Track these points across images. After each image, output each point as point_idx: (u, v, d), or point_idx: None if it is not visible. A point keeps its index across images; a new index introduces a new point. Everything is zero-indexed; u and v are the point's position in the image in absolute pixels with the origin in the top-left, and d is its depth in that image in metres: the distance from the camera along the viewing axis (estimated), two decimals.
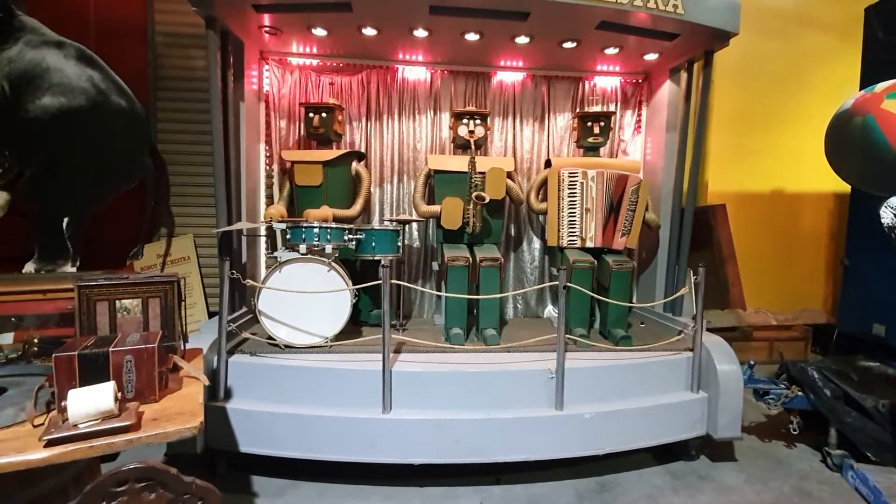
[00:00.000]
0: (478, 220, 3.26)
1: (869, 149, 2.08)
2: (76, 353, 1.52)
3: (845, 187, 4.03)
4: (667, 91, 3.64)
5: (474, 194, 3.20)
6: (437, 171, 3.42)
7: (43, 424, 1.39)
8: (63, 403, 1.38)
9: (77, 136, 2.98)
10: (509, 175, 3.41)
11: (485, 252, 3.12)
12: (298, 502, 2.46)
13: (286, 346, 2.74)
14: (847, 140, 2.21)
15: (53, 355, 1.50)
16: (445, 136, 3.82)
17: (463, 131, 3.40)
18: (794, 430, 2.96)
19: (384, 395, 2.51)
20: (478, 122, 3.40)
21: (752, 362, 2.98)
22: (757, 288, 4.70)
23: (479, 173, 3.29)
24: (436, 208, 3.30)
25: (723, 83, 4.61)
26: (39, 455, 1.28)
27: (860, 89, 2.57)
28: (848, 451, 2.81)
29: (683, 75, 3.48)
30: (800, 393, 2.94)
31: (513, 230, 3.98)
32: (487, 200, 3.18)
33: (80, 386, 1.48)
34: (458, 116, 3.44)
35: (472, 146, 3.34)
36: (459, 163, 3.38)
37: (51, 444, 1.30)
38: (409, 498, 2.51)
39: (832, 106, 2.63)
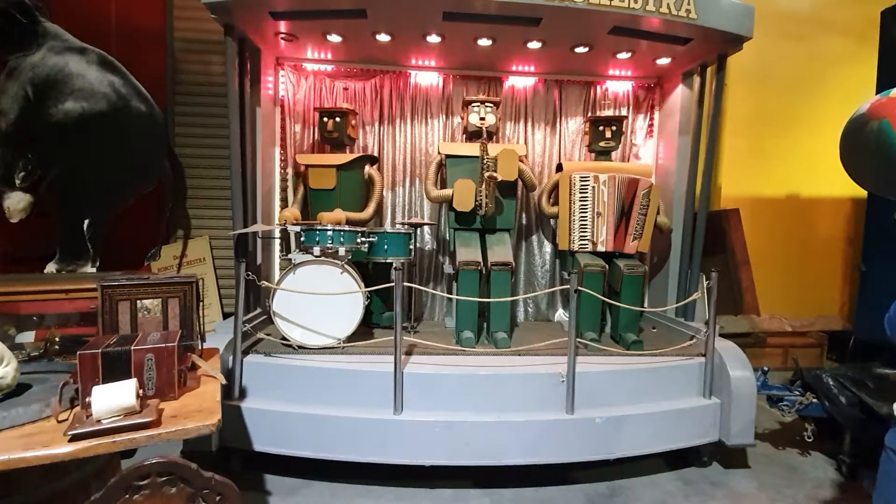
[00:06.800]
0: (490, 201, 3.21)
1: (885, 154, 2.06)
2: (100, 350, 1.56)
3: (862, 192, 3.98)
4: (679, 95, 3.63)
5: (486, 174, 3.15)
6: (449, 156, 3.41)
7: (67, 420, 1.43)
8: (87, 399, 1.42)
9: (98, 139, 3.06)
10: (521, 160, 3.38)
11: (497, 256, 3.13)
12: (311, 501, 2.49)
13: (300, 347, 2.77)
14: (862, 145, 2.19)
15: (78, 353, 1.55)
16: (458, 136, 3.84)
17: (474, 119, 3.37)
18: (809, 438, 2.93)
19: (395, 396, 2.53)
20: (489, 109, 3.38)
21: (765, 368, 2.95)
22: (771, 293, 4.65)
23: (492, 158, 3.25)
24: (447, 192, 3.29)
25: (737, 87, 4.58)
26: (64, 449, 1.31)
27: (876, 93, 2.55)
28: (863, 460, 2.77)
29: (696, 79, 3.47)
30: (814, 400, 2.90)
31: (524, 232, 3.98)
32: (499, 179, 3.13)
33: (103, 383, 1.52)
34: (468, 104, 3.44)
35: (484, 133, 3.31)
36: (471, 148, 3.36)
37: (75, 438, 1.34)
38: (419, 499, 2.52)
39: (848, 110, 2.60)
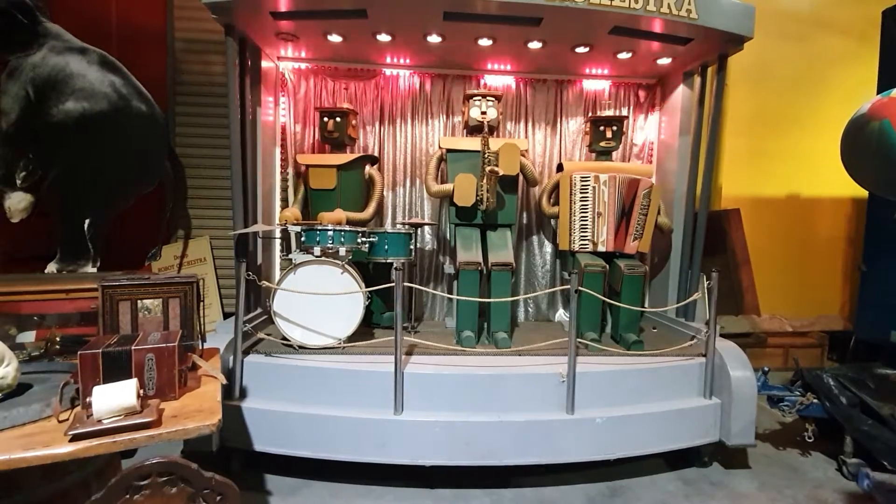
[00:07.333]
0: (492, 196, 3.18)
1: (885, 153, 2.07)
2: (100, 350, 1.56)
3: (863, 191, 3.98)
4: (680, 95, 3.63)
5: (487, 168, 3.11)
6: (449, 150, 3.38)
7: (68, 420, 1.44)
8: (88, 399, 1.43)
9: (99, 139, 3.07)
10: (523, 154, 3.35)
11: (497, 256, 3.13)
12: (311, 501, 2.49)
13: (300, 347, 2.77)
14: (863, 145, 2.20)
15: (79, 353, 1.55)
16: (458, 135, 3.83)
17: (475, 113, 3.34)
18: (809, 438, 2.93)
19: (396, 396, 2.53)
20: (490, 103, 3.35)
21: (766, 369, 2.95)
22: (772, 294, 4.65)
23: (493, 153, 3.23)
24: (448, 186, 3.26)
25: (738, 86, 4.58)
26: (65, 449, 1.31)
27: (877, 93, 2.55)
28: (864, 460, 2.76)
29: (697, 79, 3.47)
30: (815, 400, 2.91)
31: (525, 232, 3.98)
32: (501, 173, 3.09)
33: (104, 383, 1.52)
34: (469, 98, 3.41)
35: (486, 128, 3.28)
36: (472, 143, 3.34)
37: (76, 438, 1.34)
38: (419, 499, 2.52)
39: (849, 110, 2.61)
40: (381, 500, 2.50)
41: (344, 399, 2.58)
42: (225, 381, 1.91)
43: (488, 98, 3.36)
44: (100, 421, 1.39)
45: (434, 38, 3.19)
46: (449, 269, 3.37)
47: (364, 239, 3.01)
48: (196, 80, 4.08)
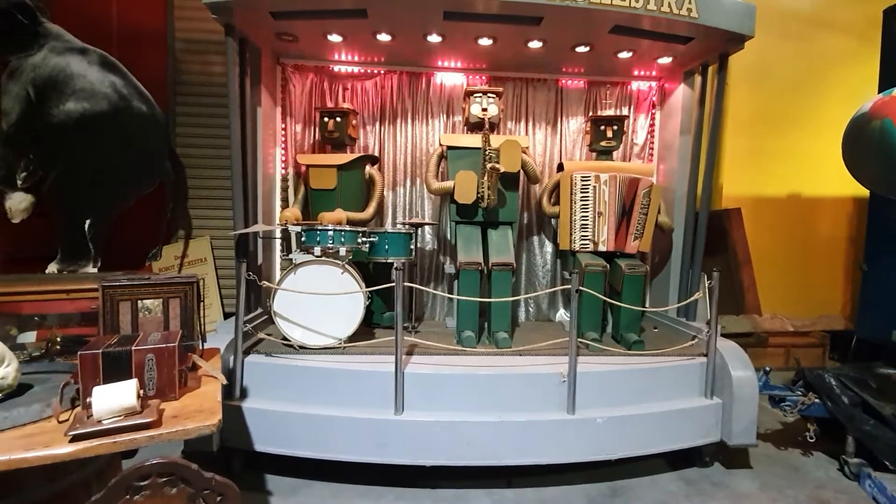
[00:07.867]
0: (493, 193, 3.16)
1: (886, 152, 2.06)
2: (101, 351, 1.56)
3: (864, 191, 3.98)
4: (681, 94, 3.63)
5: (489, 165, 3.10)
6: (450, 147, 3.36)
7: (68, 420, 1.43)
8: (88, 400, 1.42)
9: (99, 140, 3.06)
10: (524, 152, 3.34)
11: (498, 256, 3.13)
12: (311, 501, 2.49)
13: (301, 347, 2.77)
14: (864, 143, 2.20)
15: (79, 353, 1.54)
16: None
17: (476, 110, 3.31)
18: (811, 438, 2.92)
19: (396, 396, 2.53)
20: (491, 99, 3.32)
21: (767, 369, 2.95)
22: (773, 293, 4.65)
23: (494, 150, 3.21)
24: (448, 184, 3.25)
25: (738, 86, 4.58)
26: (65, 450, 1.31)
27: (878, 92, 2.54)
28: (865, 460, 2.76)
29: (698, 78, 3.47)
30: (816, 400, 2.90)
31: (525, 232, 3.98)
32: (502, 170, 3.07)
33: (104, 383, 1.52)
34: (470, 94, 3.38)
35: (486, 125, 3.26)
36: (473, 139, 3.32)
37: (76, 438, 1.34)
38: (420, 499, 2.52)
39: (850, 109, 2.61)
40: (382, 500, 2.50)
41: (344, 399, 2.57)
42: (225, 382, 1.91)
43: (489, 94, 3.34)
44: (100, 421, 1.39)
45: (434, 38, 3.19)
46: (449, 268, 3.36)
47: (364, 239, 3.01)
48: (196, 80, 4.09)
